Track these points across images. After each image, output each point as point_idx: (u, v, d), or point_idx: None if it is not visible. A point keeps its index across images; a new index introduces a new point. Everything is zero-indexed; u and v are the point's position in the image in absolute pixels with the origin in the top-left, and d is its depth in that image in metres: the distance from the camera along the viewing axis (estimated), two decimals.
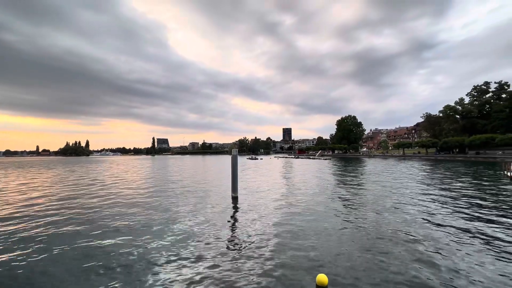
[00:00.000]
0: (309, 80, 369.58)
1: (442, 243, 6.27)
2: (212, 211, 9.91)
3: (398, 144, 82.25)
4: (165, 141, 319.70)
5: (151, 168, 39.11)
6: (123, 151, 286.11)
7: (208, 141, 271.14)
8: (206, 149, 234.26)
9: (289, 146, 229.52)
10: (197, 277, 4.77)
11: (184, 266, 5.23)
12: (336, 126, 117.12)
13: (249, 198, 12.66)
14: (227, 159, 72.88)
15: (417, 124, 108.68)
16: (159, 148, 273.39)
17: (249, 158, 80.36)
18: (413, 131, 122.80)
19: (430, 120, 75.40)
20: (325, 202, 11.41)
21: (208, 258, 5.57)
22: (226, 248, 6.17)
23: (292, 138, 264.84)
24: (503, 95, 59.67)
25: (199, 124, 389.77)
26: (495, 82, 62.44)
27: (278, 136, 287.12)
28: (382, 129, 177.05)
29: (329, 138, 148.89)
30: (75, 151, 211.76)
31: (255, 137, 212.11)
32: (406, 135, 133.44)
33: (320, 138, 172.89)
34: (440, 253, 5.66)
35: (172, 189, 15.89)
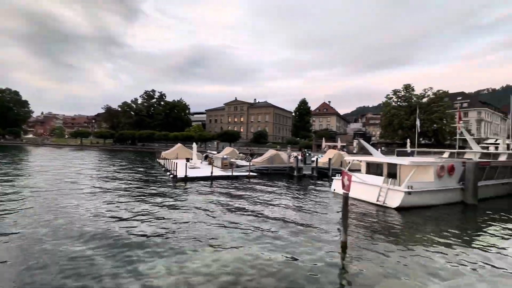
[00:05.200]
0: None
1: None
2: None
3: (76, 132, 76.94)
4: None
5: None
6: None
7: None
8: None
9: None
10: None
11: None
12: None
13: None
14: None
15: (98, 115, 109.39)
16: None
17: None
18: (94, 121, 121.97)
19: (110, 113, 79.94)
20: None
21: None
22: None
23: None
24: (162, 102, 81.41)
25: None
26: (158, 92, 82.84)
27: None
28: (59, 114, 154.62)
29: None
30: None
31: None
32: (86, 124, 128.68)
33: None
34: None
35: None
